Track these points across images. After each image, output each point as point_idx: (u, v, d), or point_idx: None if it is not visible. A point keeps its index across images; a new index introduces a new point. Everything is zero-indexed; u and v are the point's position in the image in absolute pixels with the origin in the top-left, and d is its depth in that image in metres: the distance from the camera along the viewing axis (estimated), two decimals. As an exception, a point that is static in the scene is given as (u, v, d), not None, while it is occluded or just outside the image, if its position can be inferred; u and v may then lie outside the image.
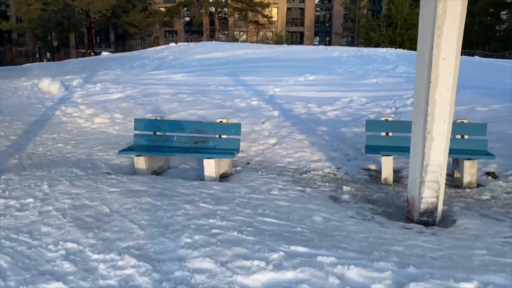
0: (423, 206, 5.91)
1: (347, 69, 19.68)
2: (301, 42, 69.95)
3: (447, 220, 6.04)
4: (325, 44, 62.19)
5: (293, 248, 4.16)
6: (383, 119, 8.49)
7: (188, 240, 4.29)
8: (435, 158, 5.72)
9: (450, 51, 5.35)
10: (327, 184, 7.62)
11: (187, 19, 70.19)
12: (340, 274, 3.67)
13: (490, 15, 53.34)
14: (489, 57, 37.26)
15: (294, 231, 4.86)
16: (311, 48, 28.94)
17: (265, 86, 16.02)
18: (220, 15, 68.55)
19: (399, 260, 4.07)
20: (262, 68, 19.74)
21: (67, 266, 3.79)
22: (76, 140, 10.20)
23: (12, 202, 5.45)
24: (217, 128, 8.17)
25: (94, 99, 14.04)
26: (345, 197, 6.92)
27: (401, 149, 7.71)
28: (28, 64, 30.42)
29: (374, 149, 8.02)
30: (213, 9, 66.07)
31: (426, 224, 5.90)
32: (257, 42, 60.38)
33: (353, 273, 3.67)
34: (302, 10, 75.93)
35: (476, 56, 33.08)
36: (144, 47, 41.19)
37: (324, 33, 77.37)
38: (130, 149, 8.12)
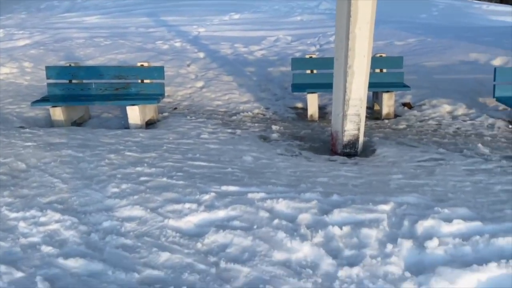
0: (345, 138, 6.20)
1: (272, 6, 19.36)
2: (224, -20, 67.06)
3: (367, 150, 6.43)
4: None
5: (224, 188, 4.20)
6: (307, 56, 8.58)
7: (115, 189, 4.16)
8: (356, 92, 5.94)
9: (368, -16, 5.40)
10: (256, 124, 7.69)
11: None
12: (270, 207, 3.80)
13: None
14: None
15: (224, 172, 4.89)
16: (235, -14, 27.90)
17: (189, 26, 15.35)
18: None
19: (324, 190, 4.29)
20: (184, 8, 18.79)
21: (-18, 228, 3.52)
22: (-19, 94, 9.20)
23: None
24: (139, 73, 7.76)
25: (-3, 47, 12.59)
26: (274, 136, 7.06)
27: (326, 86, 7.89)
28: None
29: (300, 87, 8.15)
30: None
31: (349, 155, 6.24)
32: (177, -20, 56.78)
33: (282, 205, 3.82)
34: None
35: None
36: (51, -13, 37.09)
37: (247, -30, 74.70)
38: (44, 100, 7.50)
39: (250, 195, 4.04)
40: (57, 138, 5.97)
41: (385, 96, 7.91)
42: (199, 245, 3.22)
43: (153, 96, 7.53)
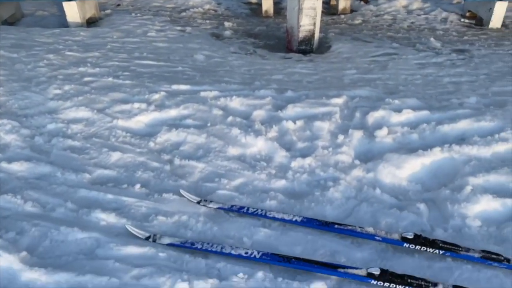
0: (301, 34, 6.02)
1: None
2: None
3: (323, 47, 6.32)
4: None
5: (174, 87, 4.03)
6: None
7: (57, 91, 3.89)
8: (312, -17, 5.63)
9: None
10: (208, 21, 7.27)
11: None
12: (224, 105, 3.72)
13: None
14: None
15: (175, 71, 4.67)
16: None
17: None
18: None
19: (278, 87, 4.23)
20: None
21: None
22: None
23: None
24: (74, -37, 6.89)
25: None
26: (227, 33, 6.74)
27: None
28: None
29: (253, -20, 7.62)
30: None
31: (304, 52, 6.11)
32: None
33: (236, 103, 3.74)
34: None
35: None
36: None
37: None
38: (-35, -5, 6.61)
39: (202, 94, 3.91)
40: (-15, 38, 5.38)
41: (342, -11, 7.61)
42: (151, 144, 3.14)
43: (92, -10, 6.82)
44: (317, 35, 6.14)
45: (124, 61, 4.76)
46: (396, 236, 2.03)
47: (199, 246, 2.03)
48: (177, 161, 2.90)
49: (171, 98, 3.78)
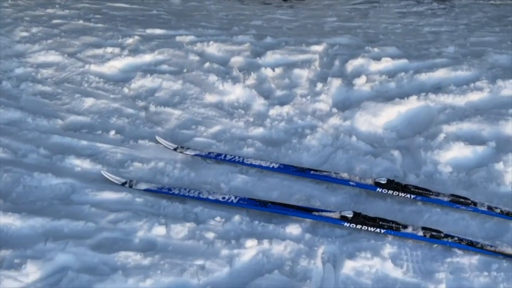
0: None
1: None
2: None
3: (304, -7, 6.13)
4: None
5: (149, 31, 3.88)
6: None
7: (25, 33, 3.69)
8: None
9: None
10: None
11: None
12: (200, 51, 3.62)
13: None
14: None
15: (149, 14, 4.48)
16: None
17: None
18: None
19: (257, 33, 4.12)
20: None
21: None
22: None
23: None
24: None
25: None
26: (204, -25, 6.42)
27: None
28: None
29: None
30: None
31: (284, -2, 5.94)
32: None
33: (213, 48, 3.64)
34: None
35: None
36: None
37: None
38: None
39: (178, 38, 3.78)
40: None
41: None
42: (125, 90, 3.05)
43: None
44: (298, -20, 5.94)
45: (95, 3, 4.53)
46: (369, 181, 2.08)
47: (176, 192, 2.03)
48: (152, 108, 2.84)
49: (145, 42, 3.64)
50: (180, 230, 1.77)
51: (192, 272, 1.58)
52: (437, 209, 1.97)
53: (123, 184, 2.10)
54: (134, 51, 3.49)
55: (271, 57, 3.51)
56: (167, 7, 4.91)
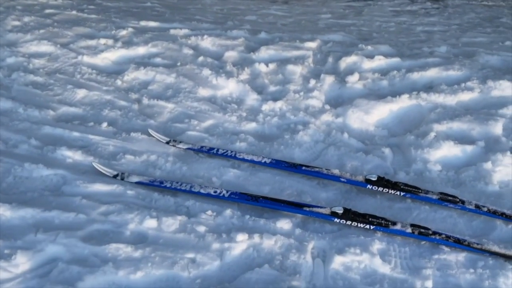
0: (277, -26, 5.79)
1: None
2: None
3: (298, -12, 6.12)
4: None
5: (143, 23, 3.86)
6: None
7: (16, 22, 3.65)
8: None
9: None
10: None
11: None
12: (194, 45, 3.61)
13: None
14: None
15: (143, 6, 4.46)
16: None
17: None
18: None
19: (251, 28, 4.12)
20: None
21: None
22: None
23: None
24: None
25: None
26: (199, -32, 6.39)
27: None
28: None
29: None
30: None
31: (279, -7, 5.92)
32: None
33: (207, 42, 3.63)
34: None
35: None
36: None
37: None
38: None
39: (172, 31, 3.76)
40: None
41: None
42: (118, 82, 3.04)
43: None
44: (293, -25, 5.93)
45: (89, -7, 4.48)
46: (360, 178, 2.10)
47: (168, 185, 2.03)
48: (145, 101, 2.83)
49: (139, 35, 3.62)
50: (171, 223, 1.78)
51: (183, 265, 1.59)
52: (425, 206, 2.00)
53: (115, 176, 2.10)
54: (128, 43, 3.47)
55: (265, 52, 3.51)
56: (161, -1, 4.88)
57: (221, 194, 1.97)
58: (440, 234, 1.77)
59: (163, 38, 3.60)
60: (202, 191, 2.00)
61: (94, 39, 3.49)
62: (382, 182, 2.06)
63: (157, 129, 2.53)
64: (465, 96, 2.84)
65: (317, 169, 2.17)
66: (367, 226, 1.82)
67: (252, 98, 2.95)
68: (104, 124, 2.51)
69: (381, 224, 1.82)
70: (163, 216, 1.80)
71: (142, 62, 3.25)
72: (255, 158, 2.27)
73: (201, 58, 3.36)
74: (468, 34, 4.41)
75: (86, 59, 3.25)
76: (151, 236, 1.73)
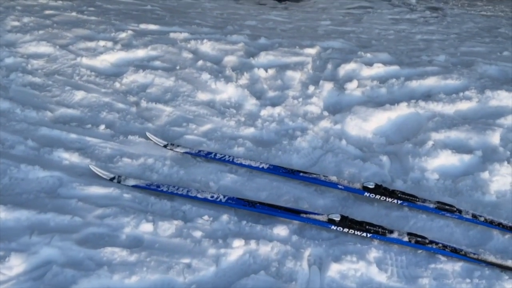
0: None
1: None
2: None
3: (299, -5, 6.16)
4: None
5: (143, 26, 3.86)
6: None
7: (16, 23, 3.64)
8: None
9: None
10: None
11: None
12: (194, 48, 3.61)
13: None
14: None
15: (143, 9, 4.45)
16: None
17: None
18: None
19: (251, 33, 4.13)
20: None
21: None
22: None
23: None
24: None
25: None
26: (200, -27, 6.41)
27: None
28: None
29: None
30: None
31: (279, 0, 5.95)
32: None
33: (207, 47, 3.63)
34: None
35: None
36: None
37: None
38: None
39: (172, 35, 3.76)
40: None
41: None
42: (117, 84, 3.03)
43: None
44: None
45: (89, -5, 4.48)
46: (357, 185, 2.09)
47: (165, 189, 2.03)
48: (143, 104, 2.83)
49: (138, 37, 3.62)
50: (168, 228, 1.77)
51: (178, 270, 1.58)
52: (423, 215, 2.00)
53: (112, 179, 2.09)
54: (127, 46, 3.46)
55: (264, 58, 3.52)
56: (161, 2, 4.89)
57: (218, 199, 1.97)
58: (437, 243, 1.77)
59: (163, 41, 3.59)
60: (199, 195, 1.99)
61: (93, 41, 3.48)
62: (380, 190, 2.05)
63: (155, 133, 2.52)
64: (463, 105, 2.85)
65: (314, 176, 2.17)
66: (364, 234, 1.82)
67: (250, 103, 2.95)
68: (102, 127, 2.51)
69: (378, 232, 1.81)
70: (159, 220, 1.79)
71: (141, 65, 3.25)
72: (253, 164, 2.26)
73: (200, 62, 3.36)
74: (467, 44, 4.43)
75: (85, 61, 3.25)
76: (146, 240, 1.72)
